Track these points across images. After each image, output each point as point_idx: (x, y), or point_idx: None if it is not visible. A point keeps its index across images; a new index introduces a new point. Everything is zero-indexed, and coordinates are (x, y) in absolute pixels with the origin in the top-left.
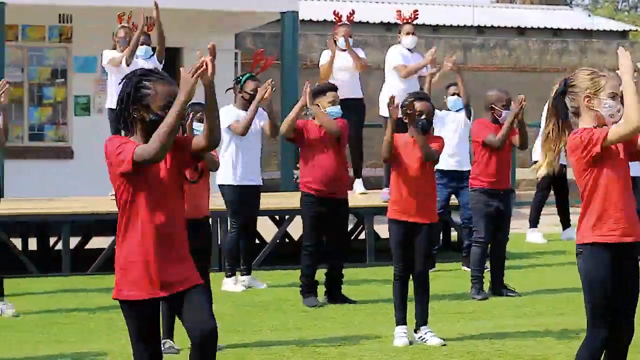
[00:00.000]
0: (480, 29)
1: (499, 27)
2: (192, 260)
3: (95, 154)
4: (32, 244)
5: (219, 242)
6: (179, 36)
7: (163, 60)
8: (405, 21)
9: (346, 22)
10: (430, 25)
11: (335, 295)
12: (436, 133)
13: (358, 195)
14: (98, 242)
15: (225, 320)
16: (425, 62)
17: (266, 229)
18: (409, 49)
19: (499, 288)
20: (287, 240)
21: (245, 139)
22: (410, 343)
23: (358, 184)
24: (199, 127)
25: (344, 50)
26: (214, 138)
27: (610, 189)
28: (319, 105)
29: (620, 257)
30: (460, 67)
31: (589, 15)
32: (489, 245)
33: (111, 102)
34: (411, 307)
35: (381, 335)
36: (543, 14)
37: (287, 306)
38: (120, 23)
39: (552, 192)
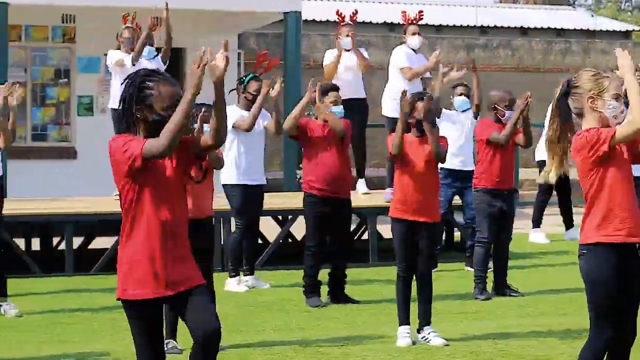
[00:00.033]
0: (483, 29)
1: (502, 27)
2: (194, 260)
3: (99, 154)
4: (35, 244)
5: (222, 242)
6: (182, 36)
7: (167, 62)
8: (410, 22)
9: (349, 22)
10: (433, 25)
11: (338, 295)
12: (442, 133)
13: (361, 195)
14: (101, 242)
15: (228, 320)
16: (430, 64)
17: (269, 229)
18: (413, 50)
19: (502, 288)
20: (290, 240)
21: (248, 138)
22: (414, 343)
23: (361, 184)
24: (205, 127)
25: (348, 50)
26: (220, 137)
27: (616, 189)
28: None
29: (625, 257)
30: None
31: (592, 16)
32: (492, 246)
33: (114, 102)
34: (414, 307)
35: (384, 335)
36: (546, 14)
37: (290, 306)
38: (125, 23)
39: (554, 192)
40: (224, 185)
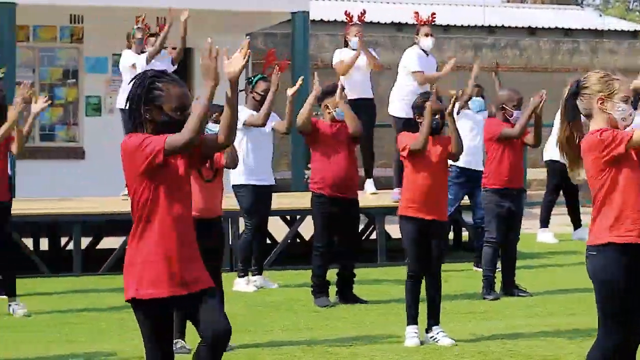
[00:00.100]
0: (491, 29)
1: (509, 27)
2: (202, 261)
3: (106, 154)
4: (44, 244)
5: (230, 243)
6: (189, 36)
7: (176, 65)
8: (423, 23)
9: (357, 22)
10: (441, 25)
11: (346, 295)
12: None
13: (369, 196)
14: (109, 243)
15: (236, 320)
16: (444, 73)
17: (277, 229)
18: (425, 51)
19: (510, 288)
20: (298, 240)
21: (257, 139)
22: (422, 343)
23: (369, 184)
24: (214, 128)
25: (355, 49)
26: (232, 135)
27: (629, 190)
28: (327, 107)
29: (636, 259)
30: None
31: (600, 15)
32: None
33: (124, 102)
34: (422, 307)
35: (393, 335)
36: (554, 14)
37: (298, 306)
38: (137, 24)
39: (561, 192)
40: (233, 186)
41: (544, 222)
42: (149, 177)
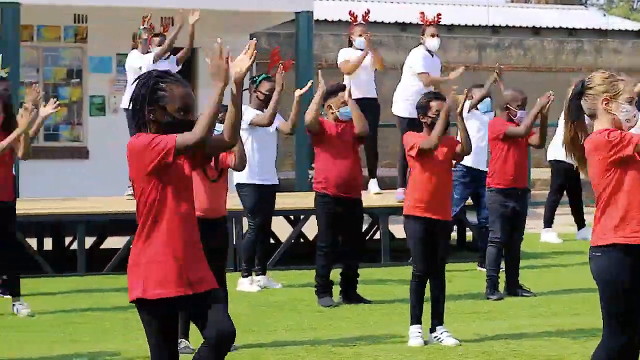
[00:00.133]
0: (495, 29)
1: (513, 27)
2: (206, 261)
3: (111, 154)
4: (48, 243)
5: (234, 242)
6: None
7: (180, 65)
8: (428, 23)
9: (362, 21)
10: (445, 25)
11: (350, 295)
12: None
13: (373, 195)
14: (113, 242)
15: (240, 320)
16: (450, 78)
17: (281, 228)
18: (430, 52)
19: (514, 288)
20: (302, 240)
21: (261, 138)
22: (425, 343)
23: (373, 184)
24: (218, 128)
25: (360, 49)
26: (237, 135)
27: (634, 191)
28: (331, 107)
29: None
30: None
31: (604, 15)
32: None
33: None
34: (426, 307)
35: (396, 335)
36: (558, 13)
37: (302, 306)
38: (144, 24)
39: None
40: (237, 185)
41: (548, 222)
42: (157, 176)
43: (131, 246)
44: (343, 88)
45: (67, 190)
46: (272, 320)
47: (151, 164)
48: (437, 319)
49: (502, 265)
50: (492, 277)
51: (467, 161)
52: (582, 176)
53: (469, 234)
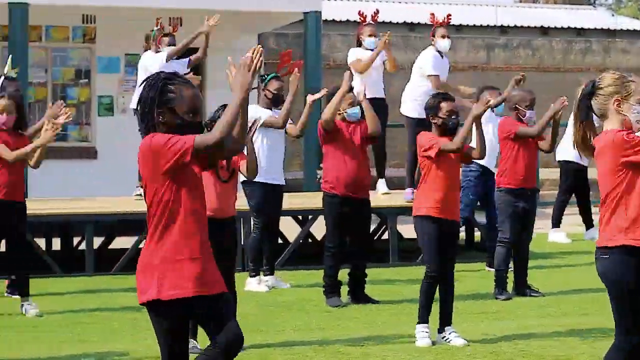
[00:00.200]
0: (503, 29)
1: (522, 27)
2: (215, 262)
3: (119, 154)
4: (56, 244)
5: (242, 242)
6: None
7: (189, 69)
8: (438, 24)
9: (371, 22)
10: (453, 25)
11: (358, 295)
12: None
13: (381, 196)
14: (121, 242)
15: (248, 320)
16: (460, 93)
17: (289, 229)
18: (440, 52)
19: (522, 288)
20: (310, 240)
21: (270, 139)
22: (433, 343)
23: (381, 184)
24: None
25: (370, 49)
26: (243, 137)
27: None
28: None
29: None
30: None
31: (613, 15)
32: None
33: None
34: (434, 308)
35: (404, 335)
36: (566, 13)
37: (310, 306)
38: (157, 26)
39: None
40: (243, 183)
41: (556, 222)
42: (172, 176)
43: (142, 247)
44: (349, 89)
45: (76, 190)
46: (280, 320)
47: (167, 164)
48: (446, 319)
49: (511, 265)
50: (501, 277)
51: (482, 161)
52: (590, 176)
53: (478, 234)
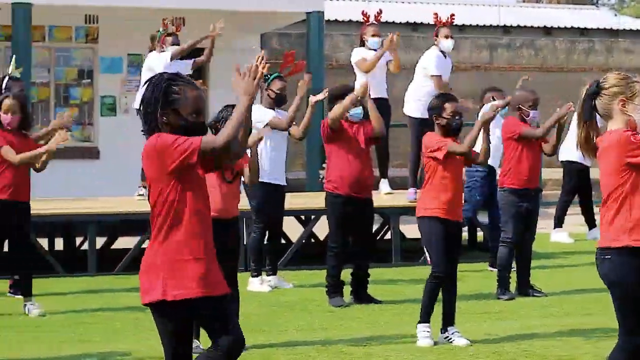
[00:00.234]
0: (506, 29)
1: (525, 26)
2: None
3: (121, 154)
4: (59, 244)
5: (245, 243)
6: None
7: (192, 70)
8: (442, 24)
9: (374, 22)
10: (456, 25)
11: (361, 295)
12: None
13: (384, 196)
14: (124, 242)
15: (251, 320)
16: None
17: (292, 229)
18: (443, 52)
19: (525, 288)
20: (312, 240)
21: (273, 139)
22: (435, 343)
23: (384, 184)
24: None
25: (373, 49)
26: (245, 140)
27: None
28: None
29: None
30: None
31: (616, 15)
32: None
33: None
34: (437, 308)
35: (407, 335)
36: (569, 13)
37: (313, 306)
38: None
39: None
40: (244, 183)
41: (559, 222)
42: (177, 176)
43: (145, 247)
44: (350, 90)
45: (78, 190)
46: (283, 320)
47: (173, 164)
48: (448, 319)
49: (514, 265)
50: (503, 277)
51: (492, 161)
52: (592, 176)
53: (480, 234)
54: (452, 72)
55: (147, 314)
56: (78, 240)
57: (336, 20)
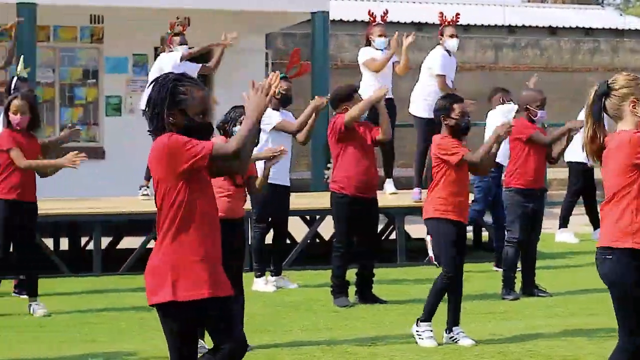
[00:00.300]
0: (511, 29)
1: (530, 26)
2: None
3: (127, 154)
4: (64, 244)
5: (249, 243)
6: (209, 37)
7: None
8: (447, 23)
9: (380, 22)
10: (461, 25)
11: (366, 295)
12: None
13: (389, 196)
14: (129, 242)
15: (256, 320)
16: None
17: (297, 229)
18: (448, 52)
19: (530, 288)
20: (317, 240)
21: (278, 141)
22: (439, 344)
23: (389, 184)
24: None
25: (380, 49)
26: (250, 156)
27: None
28: (347, 109)
29: None
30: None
31: (621, 15)
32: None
33: None
34: (442, 308)
35: (412, 335)
36: (575, 13)
37: (317, 306)
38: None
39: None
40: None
41: (564, 223)
42: (186, 178)
43: (151, 247)
44: (355, 90)
45: (83, 190)
46: (288, 320)
47: (184, 165)
48: (454, 320)
49: (519, 265)
50: (509, 277)
51: (500, 159)
52: (596, 176)
53: (485, 234)
54: (457, 72)
55: (152, 314)
56: (83, 240)
57: (341, 20)
